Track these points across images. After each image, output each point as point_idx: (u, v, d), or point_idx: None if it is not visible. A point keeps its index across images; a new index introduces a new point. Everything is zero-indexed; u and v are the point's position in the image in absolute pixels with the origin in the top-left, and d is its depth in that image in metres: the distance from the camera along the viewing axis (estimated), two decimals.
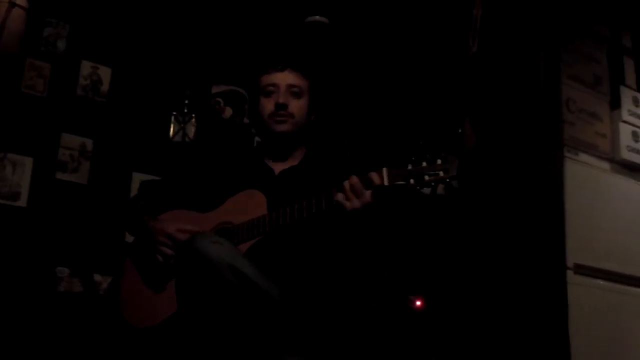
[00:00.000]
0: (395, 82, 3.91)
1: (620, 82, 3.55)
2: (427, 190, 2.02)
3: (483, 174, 3.19)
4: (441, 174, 1.97)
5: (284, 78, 2.39)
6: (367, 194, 2.02)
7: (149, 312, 2.23)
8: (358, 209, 2.02)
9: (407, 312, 3.18)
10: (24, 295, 3.28)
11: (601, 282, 3.19)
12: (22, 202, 3.44)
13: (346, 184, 2.04)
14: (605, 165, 3.42)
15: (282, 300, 2.00)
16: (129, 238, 2.55)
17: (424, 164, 2.00)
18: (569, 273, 3.07)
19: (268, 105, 2.37)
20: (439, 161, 1.99)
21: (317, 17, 4.01)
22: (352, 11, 4.02)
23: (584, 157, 3.32)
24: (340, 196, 2.04)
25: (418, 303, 3.19)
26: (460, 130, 3.31)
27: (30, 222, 3.44)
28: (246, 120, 4.13)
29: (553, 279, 3.02)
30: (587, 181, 3.28)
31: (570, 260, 3.08)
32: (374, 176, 2.03)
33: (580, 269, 3.11)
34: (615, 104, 3.51)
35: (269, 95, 2.38)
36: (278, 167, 2.42)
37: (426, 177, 1.98)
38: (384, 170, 2.03)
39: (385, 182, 2.02)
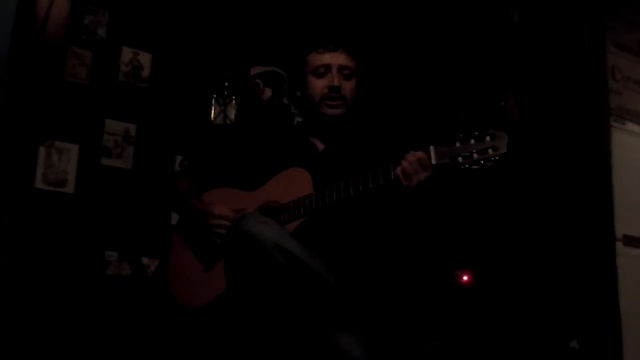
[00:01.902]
0: (436, 56, 3.86)
1: None
2: (475, 167, 1.99)
3: (528, 146, 3.14)
4: (490, 151, 1.93)
5: (336, 58, 2.35)
6: (422, 171, 2.00)
7: (197, 291, 2.25)
8: (412, 186, 2.01)
9: (454, 287, 3.17)
10: (74, 280, 3.35)
11: None
12: (70, 188, 3.50)
13: (406, 161, 2.01)
14: None
15: (331, 279, 2.01)
16: (175, 220, 2.57)
17: (472, 141, 1.96)
18: (618, 245, 3.02)
19: (319, 87, 2.34)
20: (487, 138, 1.94)
21: None
22: None
23: (631, 126, 3.26)
24: (399, 171, 2.02)
25: (465, 278, 3.17)
26: (503, 103, 3.27)
27: (78, 208, 3.49)
28: (286, 101, 4.13)
29: (602, 251, 2.98)
30: (634, 150, 3.22)
31: (619, 232, 3.03)
32: (423, 154, 2.01)
33: (630, 241, 3.06)
34: None
35: (320, 76, 2.35)
36: (321, 145, 2.41)
37: (475, 156, 1.94)
38: (431, 148, 2.01)
39: (433, 161, 1.99)
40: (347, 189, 2.09)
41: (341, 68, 2.35)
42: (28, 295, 3.16)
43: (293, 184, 2.23)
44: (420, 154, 2.02)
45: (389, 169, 2.04)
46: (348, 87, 2.36)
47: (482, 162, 1.96)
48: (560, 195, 3.07)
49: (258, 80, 4.08)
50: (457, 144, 1.98)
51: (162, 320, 2.68)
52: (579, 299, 2.94)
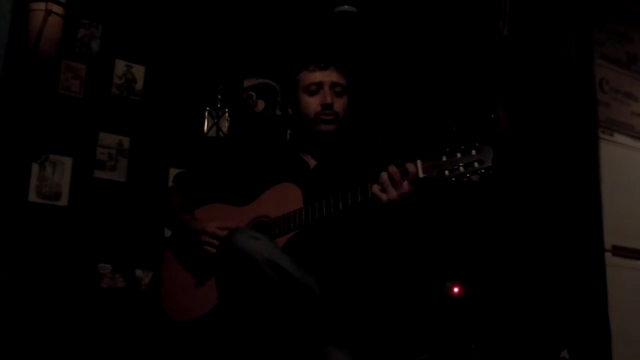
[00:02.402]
0: (426, 69, 3.90)
1: None
2: (462, 179, 2.01)
3: (518, 158, 3.18)
4: (476, 164, 1.96)
5: (328, 76, 2.40)
6: (405, 184, 2.03)
7: (189, 306, 2.27)
8: (395, 200, 2.02)
9: (445, 299, 3.20)
10: (69, 293, 3.36)
11: None
12: (63, 201, 3.52)
13: (383, 174, 2.03)
14: None
15: (322, 293, 2.03)
16: (168, 233, 2.60)
17: (458, 154, 1.98)
18: (607, 255, 3.04)
19: (313, 105, 2.38)
20: (473, 152, 1.97)
21: (346, 7, 4.01)
22: None
23: (619, 137, 3.28)
24: (376, 188, 2.04)
25: (456, 290, 3.19)
26: (493, 115, 3.31)
27: (72, 220, 3.52)
28: (278, 113, 4.16)
29: (591, 261, 3.00)
30: (623, 162, 3.24)
31: (608, 242, 3.05)
32: (410, 167, 2.03)
33: (618, 251, 3.08)
34: None
35: (313, 94, 2.39)
36: (313, 161, 2.44)
37: (461, 169, 1.97)
38: (418, 162, 2.03)
39: (420, 175, 2.02)
40: (336, 203, 2.12)
41: (333, 85, 2.39)
42: (23, 308, 3.18)
43: (284, 199, 2.26)
44: (393, 168, 2.04)
45: None
46: (340, 103, 2.39)
47: (468, 175, 1.98)
48: (549, 206, 3.10)
49: (251, 93, 4.11)
50: (444, 158, 2.01)
51: (156, 334, 2.70)
52: (569, 309, 2.96)
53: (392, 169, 2.04)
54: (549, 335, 2.95)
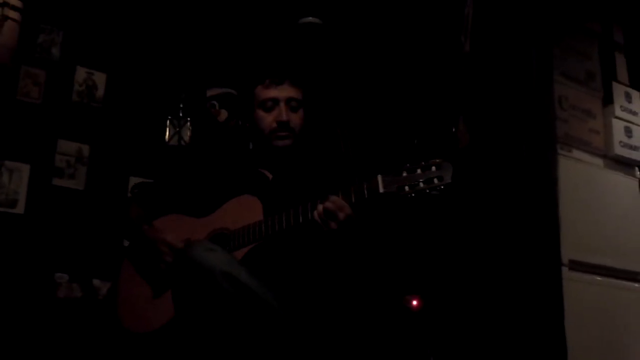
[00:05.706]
0: (388, 82, 3.92)
1: (612, 78, 3.55)
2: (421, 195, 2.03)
3: (477, 172, 3.20)
4: (436, 181, 1.97)
5: (284, 92, 2.37)
6: (345, 211, 2.03)
7: (146, 318, 2.25)
8: (334, 229, 2.04)
9: (404, 312, 3.20)
10: (24, 302, 3.30)
11: (597, 277, 3.20)
12: (20, 209, 3.47)
13: (315, 212, 2.04)
14: (599, 161, 3.43)
15: (279, 306, 2.02)
16: (127, 242, 2.57)
17: (419, 170, 2.00)
18: (564, 269, 3.07)
19: (268, 121, 2.36)
20: (433, 168, 1.98)
21: (310, 19, 4.02)
22: (345, 12, 4.02)
23: (577, 153, 3.33)
24: (316, 215, 2.05)
25: (414, 303, 3.21)
26: (454, 129, 3.33)
27: (28, 228, 3.46)
28: (240, 122, 4.15)
29: (548, 276, 3.03)
30: (580, 178, 3.29)
31: (565, 257, 3.08)
32: (367, 185, 2.04)
33: (576, 265, 3.12)
34: (607, 99, 3.51)
35: (268, 110, 2.36)
36: (270, 175, 2.43)
37: (421, 185, 1.98)
38: (379, 177, 2.04)
39: (381, 190, 2.03)
40: (296, 216, 2.12)
41: (288, 100, 2.37)
42: None
43: (244, 211, 2.24)
44: (335, 198, 2.04)
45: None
46: (296, 118, 2.38)
47: (427, 191, 2.00)
48: (507, 221, 3.12)
49: (214, 102, 4.09)
50: (404, 173, 2.02)
51: (113, 345, 2.66)
52: (525, 323, 2.98)
53: (329, 202, 2.03)
54: (506, 349, 2.97)
